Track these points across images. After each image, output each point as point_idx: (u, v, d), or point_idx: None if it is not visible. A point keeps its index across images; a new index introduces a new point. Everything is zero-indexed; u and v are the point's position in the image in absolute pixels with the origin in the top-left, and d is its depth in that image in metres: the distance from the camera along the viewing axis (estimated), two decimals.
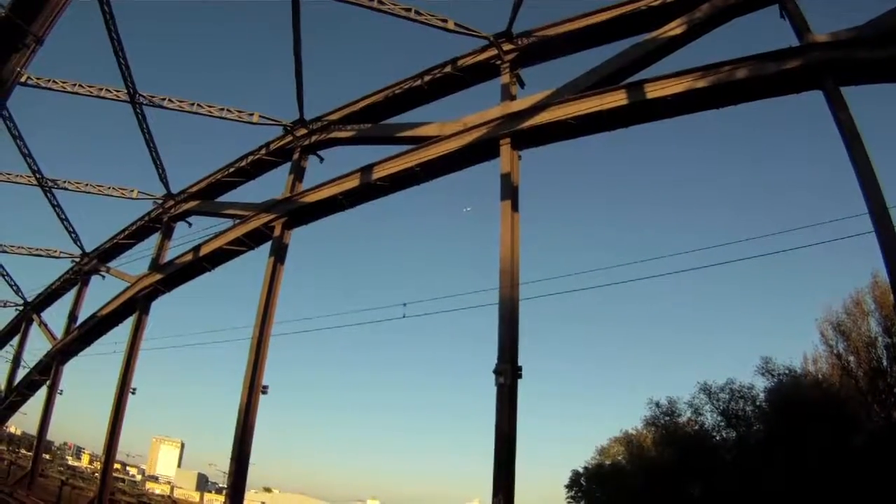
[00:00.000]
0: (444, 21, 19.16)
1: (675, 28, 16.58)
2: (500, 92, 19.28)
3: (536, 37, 19.26)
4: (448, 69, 20.84)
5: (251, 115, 23.83)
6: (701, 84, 15.50)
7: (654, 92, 16.04)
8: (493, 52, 19.68)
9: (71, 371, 34.88)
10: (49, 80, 23.87)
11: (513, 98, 18.87)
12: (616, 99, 16.49)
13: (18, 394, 37.82)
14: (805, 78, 14.65)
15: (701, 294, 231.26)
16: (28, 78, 22.80)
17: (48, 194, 29.54)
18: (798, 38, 14.76)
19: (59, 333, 34.89)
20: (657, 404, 51.60)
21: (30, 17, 13.85)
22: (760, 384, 42.82)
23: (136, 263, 30.51)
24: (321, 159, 24.36)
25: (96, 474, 51.53)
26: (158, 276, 27.53)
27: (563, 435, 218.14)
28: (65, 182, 29.20)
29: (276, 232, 22.63)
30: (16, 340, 39.69)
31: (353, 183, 21.15)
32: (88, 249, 33.72)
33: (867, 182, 12.91)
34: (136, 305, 28.18)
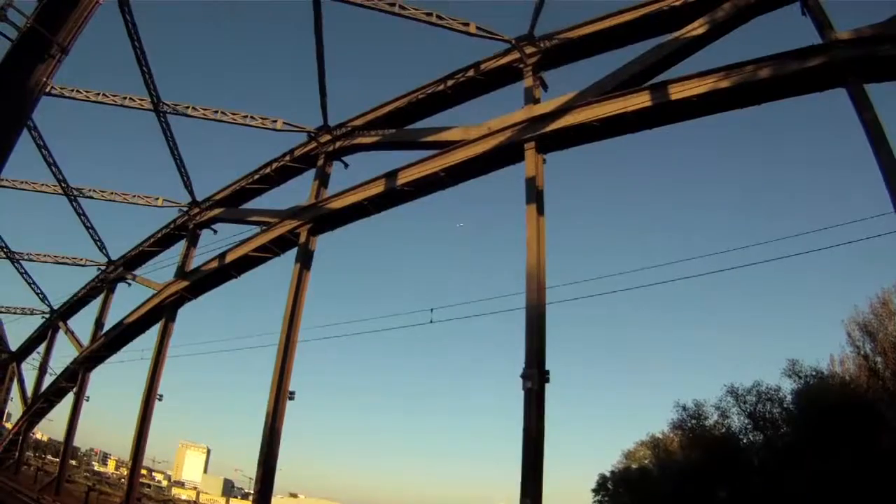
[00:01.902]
0: (466, 25, 19.24)
1: (697, 28, 16.50)
2: (523, 95, 19.27)
3: (559, 39, 19.23)
4: (471, 73, 20.91)
5: (275, 121, 24.01)
6: (724, 84, 15.40)
7: (678, 93, 15.96)
8: (515, 55, 19.69)
9: (97, 378, 35.20)
10: (73, 90, 24.13)
11: (536, 101, 18.85)
12: (640, 100, 16.42)
13: (45, 400, 38.18)
14: (828, 76, 14.50)
15: (725, 296, 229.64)
16: (52, 88, 23.05)
17: (73, 203, 29.86)
18: (820, 35, 14.62)
19: (85, 341, 35.19)
20: (684, 407, 51.12)
21: (55, 28, 14.00)
22: (787, 386, 42.39)
23: (162, 271, 30.80)
24: (346, 165, 24.58)
25: (123, 480, 51.92)
26: (184, 284, 27.73)
27: (590, 439, 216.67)
28: (90, 190, 29.55)
29: (302, 238, 22.78)
30: (42, 348, 40.09)
31: (378, 188, 21.25)
32: (114, 257, 34.07)
33: (893, 181, 12.77)
34: (162, 312, 28.43)
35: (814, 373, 40.82)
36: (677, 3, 17.35)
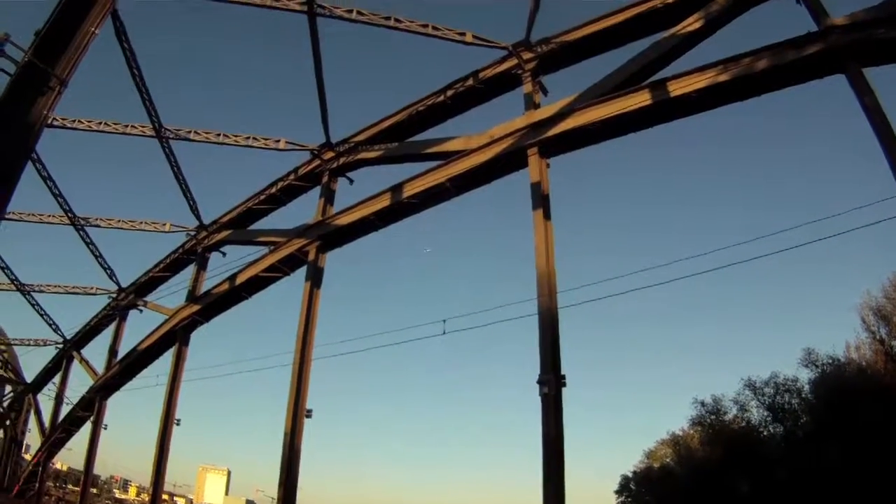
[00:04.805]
0: (462, 34, 19.36)
1: (693, 23, 16.54)
2: (523, 101, 19.34)
3: (555, 43, 19.28)
4: (470, 82, 21.00)
5: (277, 141, 24.11)
6: (723, 78, 15.42)
7: (677, 90, 15.98)
8: (513, 61, 19.76)
9: (114, 405, 35.25)
10: (75, 121, 24.21)
11: (537, 106, 18.89)
12: (640, 100, 16.46)
13: (63, 430, 38.23)
14: (826, 62, 14.52)
15: (734, 290, 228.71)
16: (54, 119, 23.16)
17: (81, 232, 29.90)
18: (816, 23, 14.64)
19: (100, 369, 35.24)
20: (702, 403, 50.93)
21: (53, 60, 14.04)
22: (805, 376, 42.21)
23: (173, 296, 30.83)
24: (350, 181, 24.62)
25: None
26: (196, 307, 27.78)
27: (612, 440, 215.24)
28: (97, 219, 29.57)
29: (311, 256, 22.86)
30: (57, 378, 40.12)
31: (384, 202, 21.34)
32: (124, 284, 34.08)
33: None
34: (175, 337, 28.48)
35: (830, 361, 40.66)
36: (672, 0, 17.37)
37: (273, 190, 26.67)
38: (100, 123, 24.44)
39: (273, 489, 21.02)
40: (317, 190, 24.92)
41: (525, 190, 17.73)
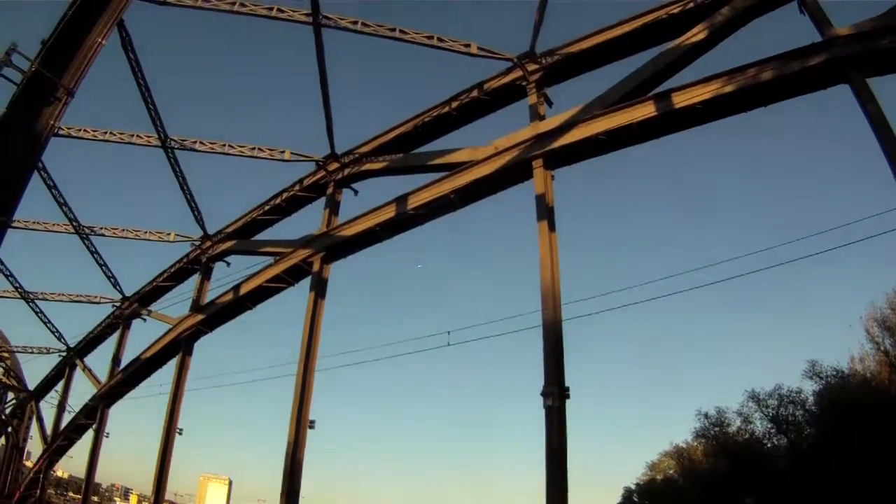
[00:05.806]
0: (467, 46, 19.31)
1: (697, 34, 16.59)
2: (528, 113, 19.37)
3: (560, 54, 19.32)
4: (475, 93, 21.05)
5: (282, 152, 24.05)
6: (728, 89, 15.43)
7: (682, 101, 15.99)
8: (518, 73, 19.79)
9: (116, 413, 35.18)
10: (81, 130, 24.16)
11: (541, 118, 18.91)
12: (645, 111, 16.47)
13: (65, 438, 38.19)
14: (830, 73, 14.49)
15: (735, 302, 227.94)
16: (60, 129, 23.14)
17: (86, 241, 29.85)
18: (820, 33, 14.66)
19: (103, 377, 35.18)
20: (706, 415, 50.88)
21: (60, 71, 14.11)
22: (809, 388, 42.15)
23: (176, 306, 30.85)
24: (355, 192, 24.60)
25: None
26: (200, 317, 27.79)
27: (615, 452, 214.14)
28: (101, 229, 29.42)
29: (316, 267, 22.85)
30: (60, 386, 40.10)
31: (389, 214, 21.35)
32: (128, 293, 34.05)
33: None
34: (178, 347, 28.47)
35: (834, 372, 40.60)
36: (676, 11, 17.45)
37: (278, 200, 26.68)
38: (105, 133, 24.35)
39: (275, 499, 20.93)
40: (321, 201, 24.95)
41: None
